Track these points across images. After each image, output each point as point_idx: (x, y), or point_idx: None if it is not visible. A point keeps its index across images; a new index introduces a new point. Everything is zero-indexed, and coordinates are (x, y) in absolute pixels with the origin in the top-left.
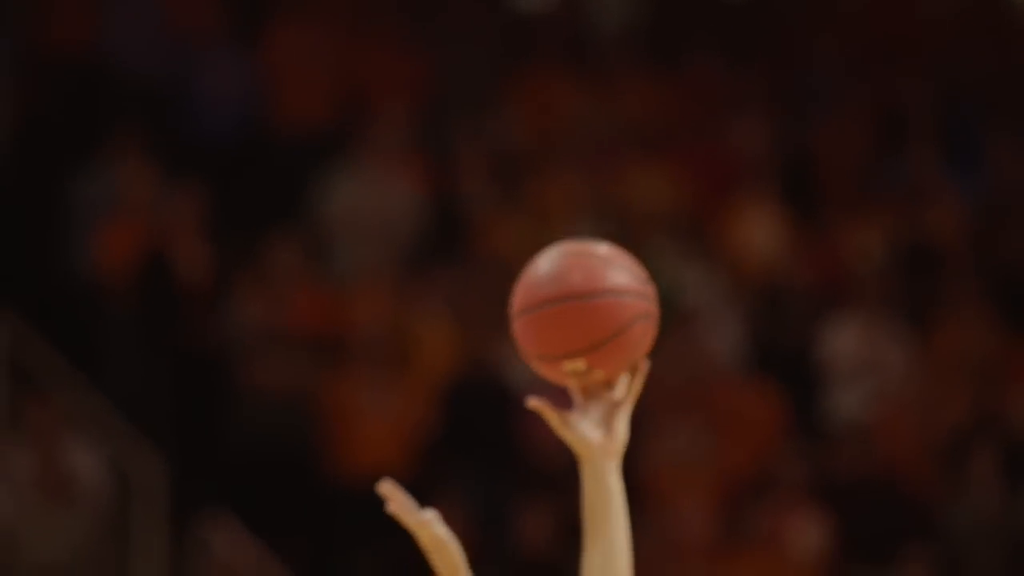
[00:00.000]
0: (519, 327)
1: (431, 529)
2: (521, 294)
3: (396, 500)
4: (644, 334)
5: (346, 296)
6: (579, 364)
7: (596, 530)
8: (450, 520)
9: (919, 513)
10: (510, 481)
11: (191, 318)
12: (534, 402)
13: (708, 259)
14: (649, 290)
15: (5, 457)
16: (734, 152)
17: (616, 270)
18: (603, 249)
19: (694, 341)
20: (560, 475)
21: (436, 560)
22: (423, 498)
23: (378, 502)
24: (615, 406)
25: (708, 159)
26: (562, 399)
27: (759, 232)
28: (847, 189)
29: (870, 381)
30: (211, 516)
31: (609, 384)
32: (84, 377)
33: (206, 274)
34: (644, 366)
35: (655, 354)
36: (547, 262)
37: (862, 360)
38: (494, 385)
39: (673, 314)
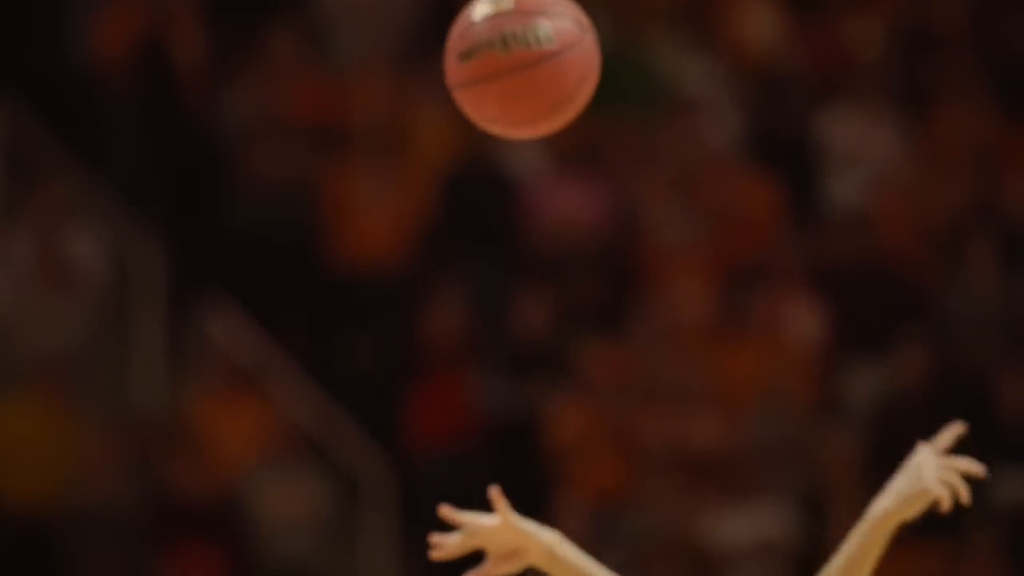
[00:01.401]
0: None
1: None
2: None
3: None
4: (569, 26)
5: (345, 84)
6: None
7: None
8: (450, 308)
9: (915, 300)
10: (509, 268)
11: (190, 106)
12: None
13: (707, 48)
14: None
15: (4, 245)
16: None
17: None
18: None
19: (692, 130)
20: (560, 262)
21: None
22: (423, 286)
23: (376, 289)
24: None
25: None
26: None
27: (758, 20)
28: None
29: (868, 168)
30: (210, 303)
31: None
32: (83, 164)
33: (204, 62)
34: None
35: (653, 143)
36: None
37: (860, 147)
38: (493, 172)
39: (672, 103)
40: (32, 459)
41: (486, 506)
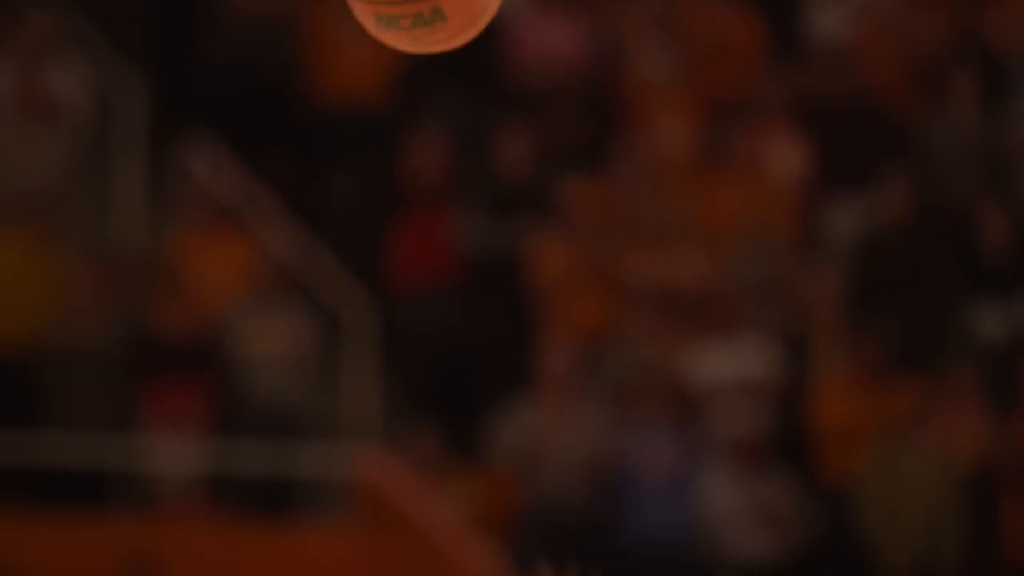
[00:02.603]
0: None
1: None
2: None
3: None
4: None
5: None
6: None
7: None
8: (432, 145)
9: (898, 134)
10: (491, 105)
11: None
12: None
13: None
14: None
15: None
16: None
17: None
18: None
19: None
20: (540, 99)
21: None
22: (405, 123)
23: (358, 125)
24: None
25: None
26: None
27: None
28: None
29: (850, 1)
30: (191, 139)
31: None
32: (64, 0)
33: None
34: None
35: None
36: None
37: None
38: None
39: None
40: (13, 295)
41: (467, 342)
